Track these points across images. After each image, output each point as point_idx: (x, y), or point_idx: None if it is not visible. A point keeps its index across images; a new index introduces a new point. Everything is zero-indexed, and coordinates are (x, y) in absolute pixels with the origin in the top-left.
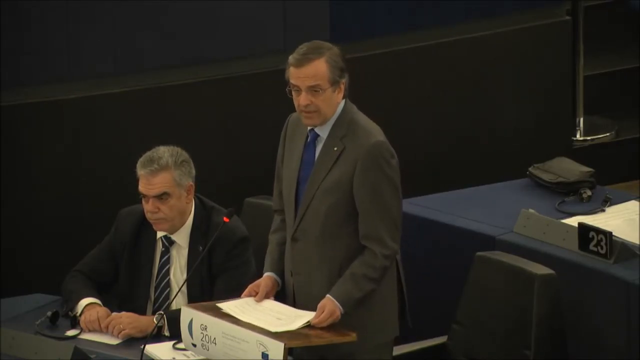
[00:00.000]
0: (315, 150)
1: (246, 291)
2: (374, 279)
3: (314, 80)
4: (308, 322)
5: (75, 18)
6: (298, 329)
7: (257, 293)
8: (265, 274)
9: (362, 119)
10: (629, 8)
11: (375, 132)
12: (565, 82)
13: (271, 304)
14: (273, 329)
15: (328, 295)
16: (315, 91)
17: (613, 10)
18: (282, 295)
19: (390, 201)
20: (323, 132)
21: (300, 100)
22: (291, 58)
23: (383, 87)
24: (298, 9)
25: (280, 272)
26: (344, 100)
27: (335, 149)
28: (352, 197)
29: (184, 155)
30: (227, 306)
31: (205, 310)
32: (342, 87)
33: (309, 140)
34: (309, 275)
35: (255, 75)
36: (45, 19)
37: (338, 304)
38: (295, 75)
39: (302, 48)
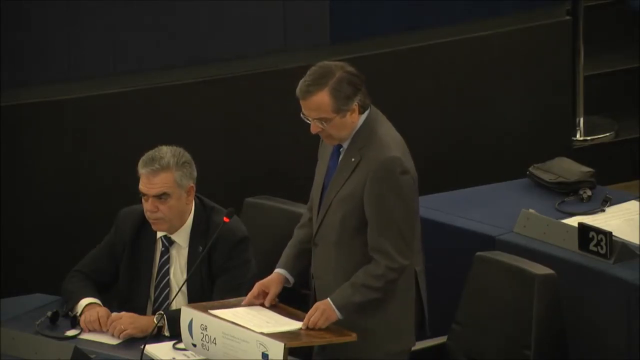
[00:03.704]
0: (338, 159)
1: (255, 289)
2: (375, 288)
3: (317, 114)
4: (296, 329)
5: (75, 18)
6: (292, 330)
7: (266, 294)
8: (275, 271)
9: (383, 130)
10: (629, 8)
11: (391, 146)
12: (565, 82)
13: (266, 312)
14: (258, 330)
15: (327, 299)
16: (323, 121)
17: (613, 10)
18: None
19: (398, 216)
20: (344, 142)
21: (311, 128)
22: (297, 88)
23: (383, 87)
24: (298, 8)
25: (293, 270)
26: (367, 111)
27: (353, 159)
28: (364, 209)
29: (186, 156)
30: (221, 313)
31: (205, 310)
32: (356, 108)
33: (334, 148)
34: (327, 280)
35: (255, 75)
36: (45, 19)
37: (334, 307)
38: (302, 105)
39: (308, 76)
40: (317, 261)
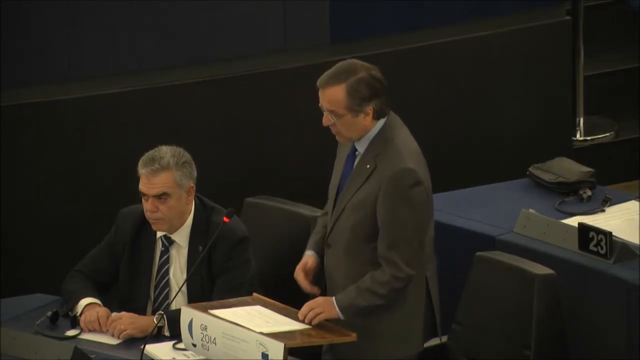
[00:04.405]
0: (353, 163)
1: (300, 276)
2: (379, 295)
3: (330, 106)
4: (296, 329)
5: (75, 18)
6: (292, 330)
7: (305, 273)
8: (307, 253)
9: (400, 138)
10: (629, 8)
11: (406, 157)
12: (565, 82)
13: (266, 312)
14: (258, 330)
15: (332, 297)
16: (334, 115)
17: (613, 10)
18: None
19: (407, 227)
20: (361, 147)
21: (323, 119)
22: (320, 78)
23: None
24: (298, 9)
25: (321, 251)
26: (385, 118)
27: (368, 166)
28: (376, 216)
29: (186, 156)
30: (221, 313)
31: (205, 310)
32: (370, 112)
33: (350, 151)
34: (337, 281)
35: (255, 75)
36: (45, 19)
37: (336, 306)
38: (319, 95)
39: (332, 69)
40: (329, 262)
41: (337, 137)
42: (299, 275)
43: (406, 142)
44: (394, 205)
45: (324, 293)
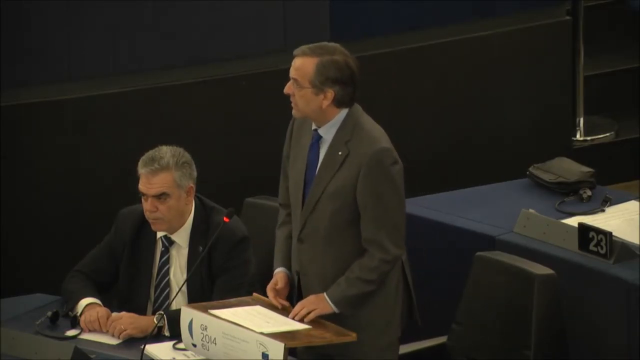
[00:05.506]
0: (318, 152)
1: (270, 295)
2: (370, 281)
3: (296, 74)
4: (296, 329)
5: (75, 18)
6: (292, 330)
7: (276, 292)
8: (279, 270)
9: (367, 122)
10: (629, 8)
11: (379, 138)
12: (565, 82)
13: (266, 312)
14: (258, 330)
15: (323, 293)
16: (296, 84)
17: (613, 10)
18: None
19: (392, 207)
20: (327, 134)
21: (285, 87)
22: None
23: (383, 87)
24: (298, 9)
25: (289, 267)
26: (348, 108)
27: (340, 153)
28: (356, 202)
29: (186, 156)
30: (221, 313)
31: (205, 310)
32: (330, 96)
33: (312, 141)
34: (316, 276)
35: (255, 75)
36: (45, 19)
37: (329, 300)
38: (292, 63)
39: (315, 44)
40: (304, 257)
41: (293, 110)
42: (269, 294)
43: (373, 126)
44: (376, 185)
45: (295, 290)
